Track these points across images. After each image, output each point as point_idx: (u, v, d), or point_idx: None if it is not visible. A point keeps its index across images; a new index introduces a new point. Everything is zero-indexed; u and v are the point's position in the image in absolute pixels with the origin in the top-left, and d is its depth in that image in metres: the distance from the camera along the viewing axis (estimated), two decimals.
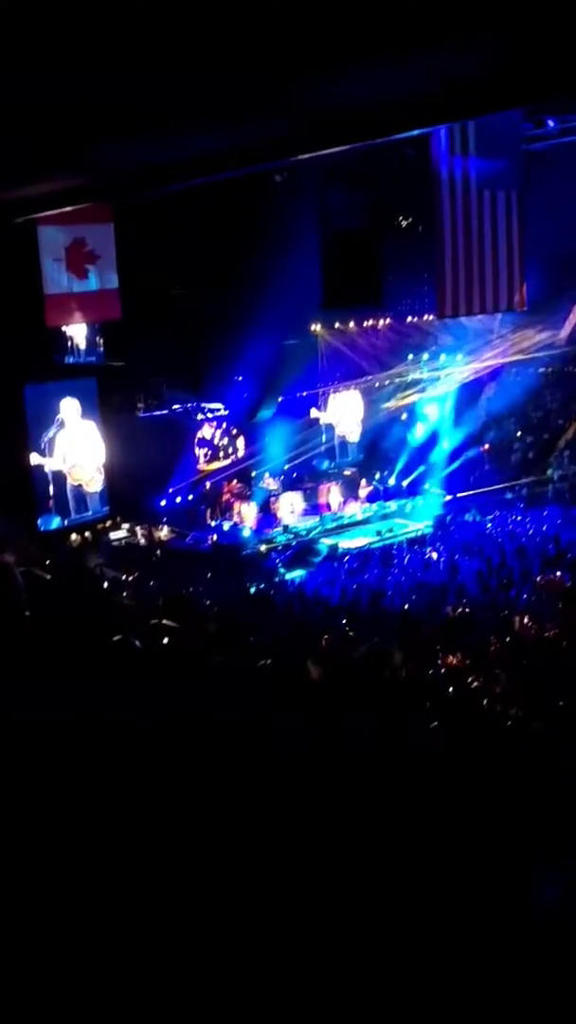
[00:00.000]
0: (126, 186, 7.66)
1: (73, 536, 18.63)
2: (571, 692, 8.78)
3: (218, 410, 23.68)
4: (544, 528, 19.03)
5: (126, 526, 20.51)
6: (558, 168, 17.76)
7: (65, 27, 3.54)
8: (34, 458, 18.12)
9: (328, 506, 22.64)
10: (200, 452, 23.42)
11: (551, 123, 15.97)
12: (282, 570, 19.27)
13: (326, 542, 20.59)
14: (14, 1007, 1.85)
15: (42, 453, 18.20)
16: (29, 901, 2.04)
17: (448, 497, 22.58)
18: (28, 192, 7.54)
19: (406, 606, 14.60)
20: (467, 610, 14.17)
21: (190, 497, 22.61)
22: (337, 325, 24.01)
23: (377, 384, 24.99)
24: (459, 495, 22.43)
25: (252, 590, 17.01)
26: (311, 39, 3.93)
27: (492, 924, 1.94)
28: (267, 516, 21.83)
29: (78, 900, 2.03)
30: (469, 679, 9.76)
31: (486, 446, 24.57)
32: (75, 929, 1.97)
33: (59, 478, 18.45)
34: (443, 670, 10.43)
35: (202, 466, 23.24)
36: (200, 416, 23.56)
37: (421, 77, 4.71)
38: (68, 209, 9.00)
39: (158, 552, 19.82)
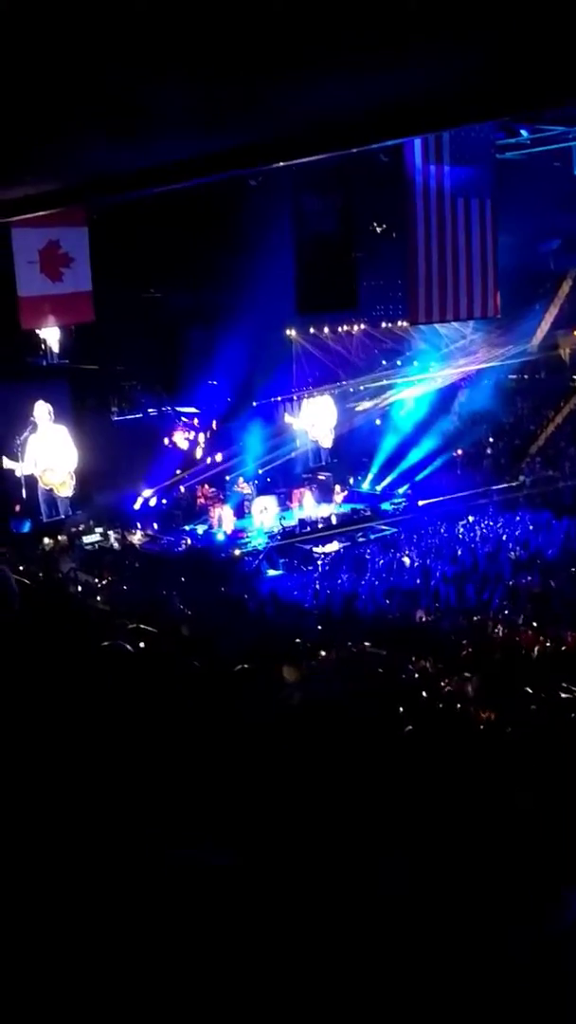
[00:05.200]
0: (100, 191, 7.64)
1: (46, 540, 18.51)
2: (542, 696, 8.86)
3: (192, 414, 23.68)
4: (516, 533, 19.18)
5: (99, 530, 20.42)
6: (530, 177, 17.93)
7: (41, 30, 3.53)
8: (5, 461, 17.97)
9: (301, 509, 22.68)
10: (174, 456, 23.39)
11: (524, 133, 16.12)
12: (262, 567, 19.32)
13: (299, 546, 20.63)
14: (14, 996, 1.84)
15: (14, 457, 18.06)
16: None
17: (421, 502, 22.69)
18: (1, 196, 7.51)
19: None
20: (439, 614, 14.28)
21: (164, 501, 22.57)
22: (312, 330, 24.09)
23: (351, 389, 25.09)
24: (432, 500, 22.55)
25: (225, 594, 16.99)
26: (288, 46, 3.95)
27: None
28: (240, 519, 21.83)
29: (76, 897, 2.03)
30: (442, 683, 9.82)
31: (459, 451, 24.73)
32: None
33: (30, 481, 18.32)
34: (416, 674, 10.49)
35: (176, 470, 23.22)
36: (174, 420, 23.55)
37: (399, 87, 4.75)
38: (42, 212, 8.96)
39: (131, 556, 19.74)
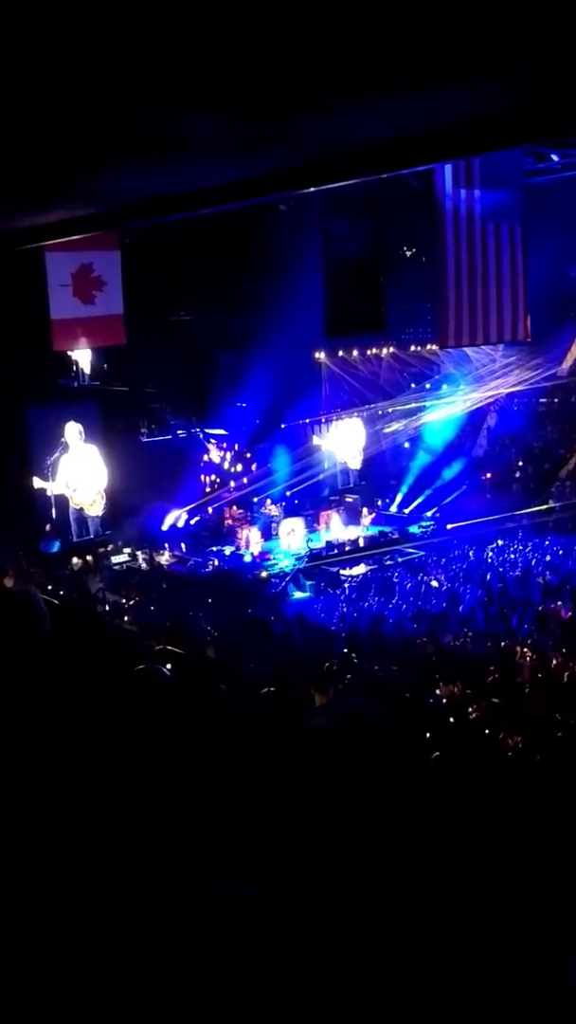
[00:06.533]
0: (133, 216, 7.75)
1: (75, 560, 18.63)
2: (571, 723, 8.75)
3: (221, 436, 23.81)
4: (546, 557, 19.02)
5: (127, 550, 20.53)
6: (561, 201, 17.94)
7: (77, 66, 3.60)
8: (36, 482, 18.17)
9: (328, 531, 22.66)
10: (202, 477, 23.52)
11: (554, 157, 16.16)
12: (289, 590, 19.32)
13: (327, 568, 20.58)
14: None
15: (44, 477, 18.26)
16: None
17: (449, 525, 22.59)
18: (36, 221, 7.62)
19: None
20: (467, 639, 14.16)
21: (192, 522, 22.65)
22: (340, 353, 24.17)
23: (379, 411, 25.11)
24: (460, 523, 22.44)
25: (251, 616, 16.97)
26: (321, 73, 3.99)
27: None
28: (268, 541, 21.84)
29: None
30: (469, 709, 9.73)
31: (487, 475, 24.62)
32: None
33: (61, 501, 18.49)
34: (443, 699, 10.40)
35: (204, 491, 23.33)
36: (203, 442, 23.69)
37: (431, 114, 4.78)
38: (76, 236, 9.09)
39: (159, 576, 19.80)
